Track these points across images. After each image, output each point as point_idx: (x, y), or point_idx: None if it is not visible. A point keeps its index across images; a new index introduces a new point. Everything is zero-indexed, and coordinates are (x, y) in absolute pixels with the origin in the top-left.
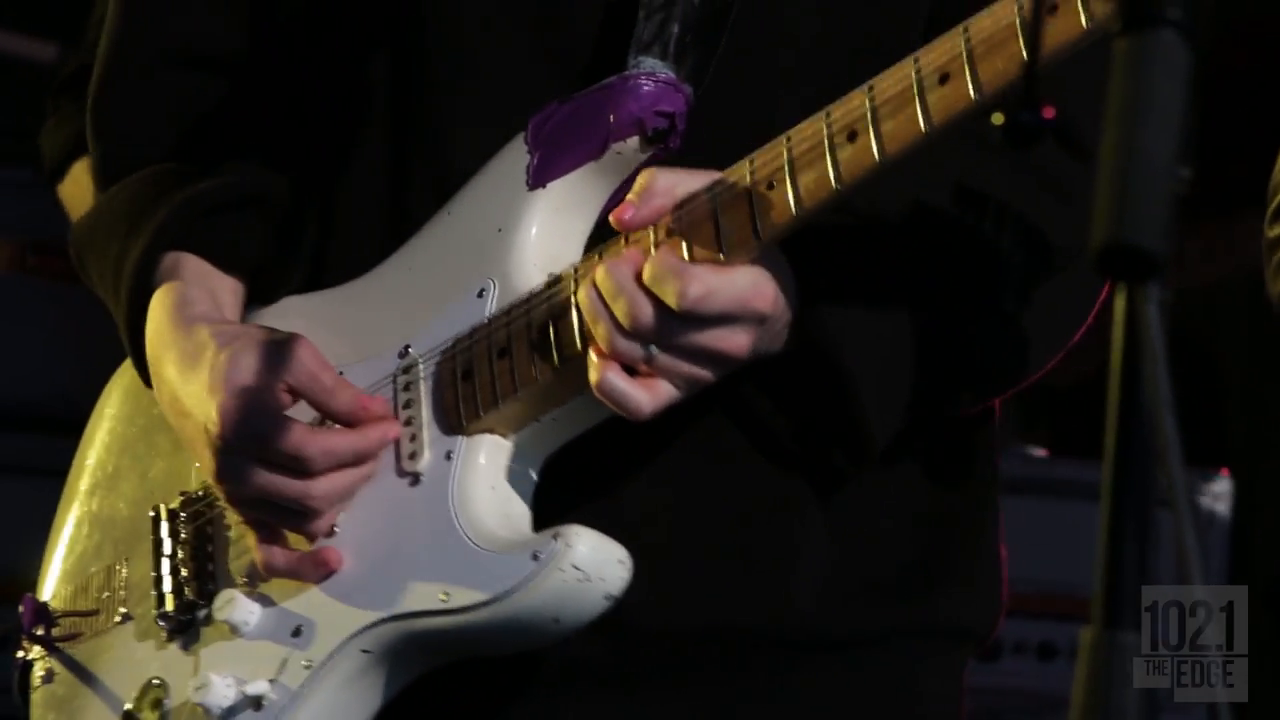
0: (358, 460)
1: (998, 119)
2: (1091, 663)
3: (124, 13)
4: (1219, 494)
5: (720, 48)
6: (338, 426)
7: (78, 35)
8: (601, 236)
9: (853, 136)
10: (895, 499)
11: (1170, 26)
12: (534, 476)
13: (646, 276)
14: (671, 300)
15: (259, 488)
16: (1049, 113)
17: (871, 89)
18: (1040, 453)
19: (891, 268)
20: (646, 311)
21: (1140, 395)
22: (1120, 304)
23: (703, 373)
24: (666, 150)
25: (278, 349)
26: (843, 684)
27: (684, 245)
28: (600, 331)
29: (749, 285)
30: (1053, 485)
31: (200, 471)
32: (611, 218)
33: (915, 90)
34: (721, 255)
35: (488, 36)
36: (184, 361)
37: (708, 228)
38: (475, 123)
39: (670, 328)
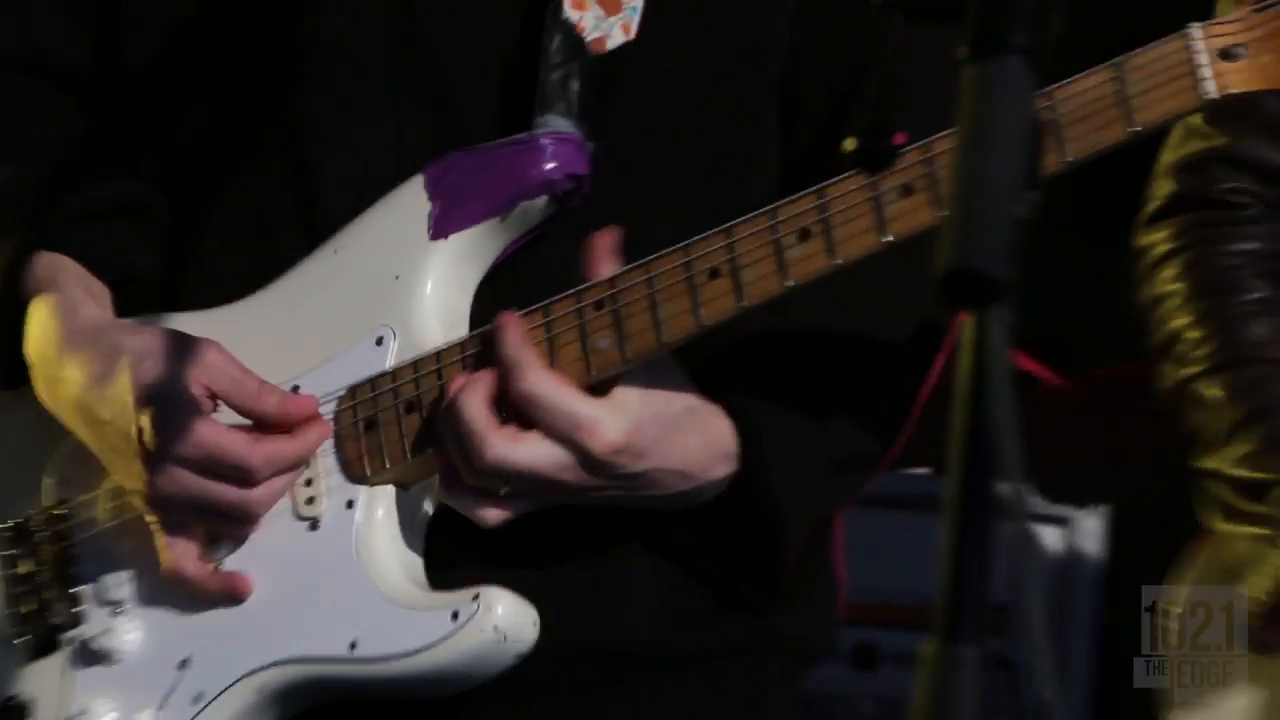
0: (297, 465)
1: (849, 145)
2: (931, 676)
3: None
4: (1087, 531)
5: (617, 104)
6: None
7: None
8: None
9: (714, 273)
10: None
11: (1016, 54)
12: (425, 526)
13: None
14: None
15: (194, 495)
16: (899, 139)
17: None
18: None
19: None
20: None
21: (985, 416)
22: (967, 329)
23: (555, 498)
24: (569, 209)
25: (195, 354)
26: (687, 698)
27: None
28: (454, 460)
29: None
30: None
31: (67, 477)
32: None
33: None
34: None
35: (364, 80)
36: (94, 367)
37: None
38: (346, 161)
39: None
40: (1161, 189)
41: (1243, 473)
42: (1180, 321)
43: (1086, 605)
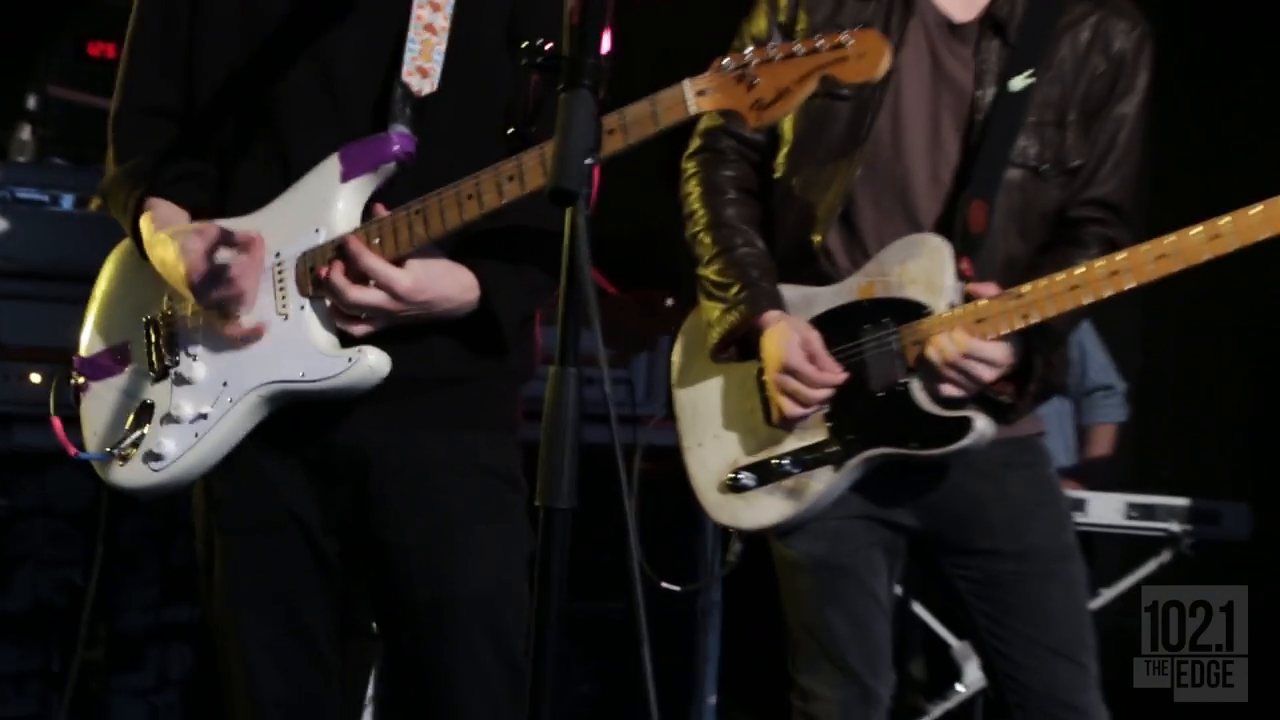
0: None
1: (508, 132)
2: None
3: (121, 79)
4: None
5: (426, 120)
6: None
7: None
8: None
9: (468, 196)
10: None
11: (583, 88)
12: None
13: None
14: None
15: (213, 299)
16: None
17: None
18: None
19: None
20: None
21: (578, 271)
22: (567, 218)
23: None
24: (403, 168)
25: (203, 234)
26: (460, 399)
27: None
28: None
29: (408, 283)
30: None
31: (171, 298)
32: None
33: None
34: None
35: (310, 106)
36: (164, 246)
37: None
38: (302, 147)
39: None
40: (693, 144)
41: (710, 274)
42: (694, 204)
43: None
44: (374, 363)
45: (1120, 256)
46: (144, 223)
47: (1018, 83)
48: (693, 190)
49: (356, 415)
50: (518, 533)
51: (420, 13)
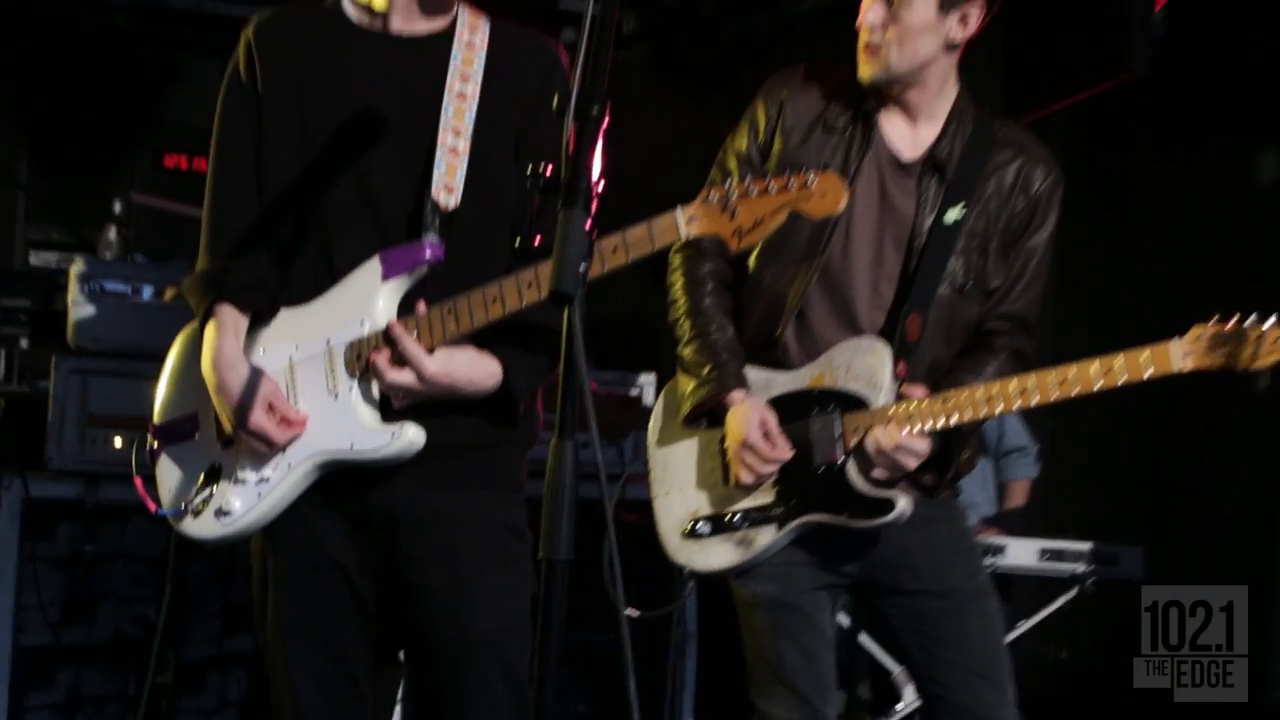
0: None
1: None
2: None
3: (209, 193)
4: None
5: (452, 231)
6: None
7: None
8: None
9: (491, 299)
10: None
11: (579, 208)
12: (379, 398)
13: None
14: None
15: (239, 429)
16: (537, 241)
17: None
18: None
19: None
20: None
21: (574, 360)
22: (564, 316)
23: (420, 396)
24: (433, 270)
25: (241, 377)
26: (479, 462)
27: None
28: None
29: (436, 367)
30: None
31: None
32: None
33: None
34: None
35: (352, 214)
36: (211, 365)
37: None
38: (346, 249)
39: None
40: (678, 246)
41: (688, 354)
42: (677, 293)
43: None
44: (413, 437)
45: (1030, 378)
46: (209, 330)
47: (951, 215)
48: (677, 281)
49: (390, 477)
50: (524, 577)
51: (445, 137)
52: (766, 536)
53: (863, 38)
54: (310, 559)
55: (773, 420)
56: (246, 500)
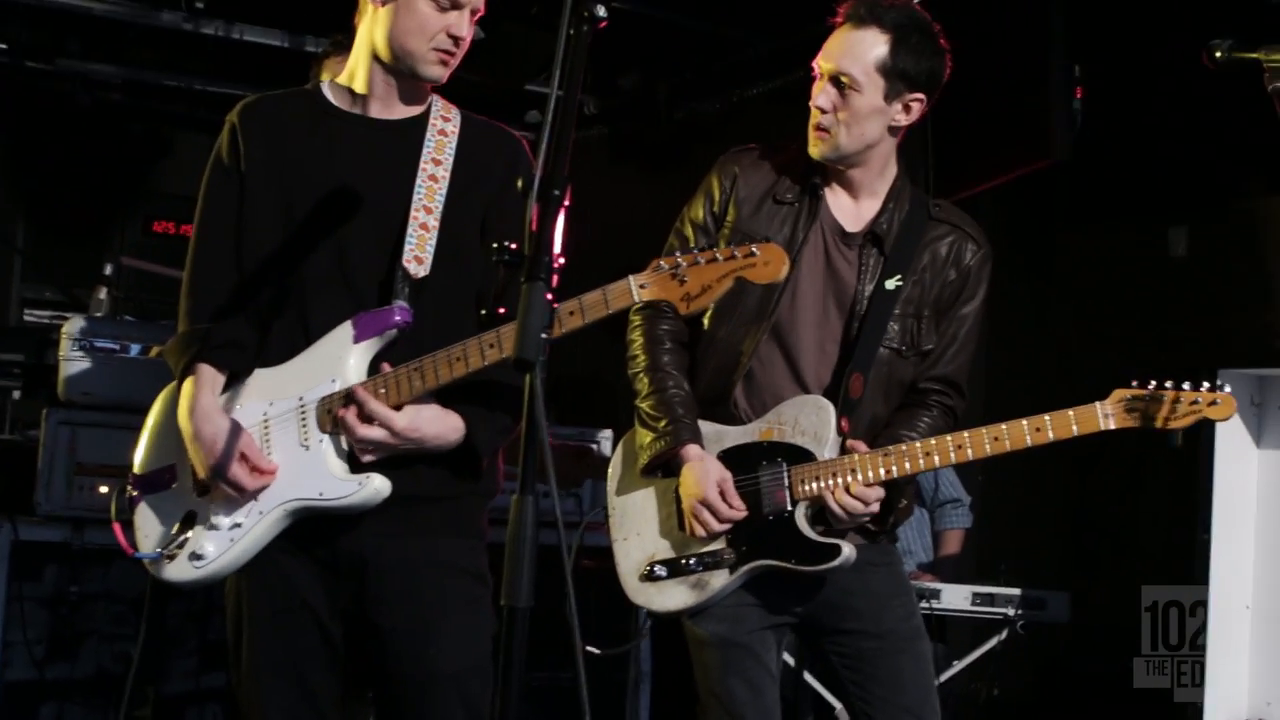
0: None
1: (481, 311)
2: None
3: (190, 259)
4: None
5: (421, 295)
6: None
7: None
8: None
9: (454, 359)
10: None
11: (540, 281)
12: (348, 450)
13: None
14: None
15: (213, 476)
16: (501, 311)
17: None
18: None
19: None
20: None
21: (535, 420)
22: (527, 381)
23: (388, 451)
24: (402, 333)
25: (221, 431)
26: (443, 513)
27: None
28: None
29: (404, 423)
30: None
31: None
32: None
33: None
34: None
35: (326, 281)
36: (189, 415)
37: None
38: (320, 314)
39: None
40: (637, 307)
41: (645, 407)
42: (637, 349)
43: None
44: (378, 486)
45: (965, 435)
46: (186, 385)
47: (890, 283)
48: (636, 339)
49: (358, 524)
50: (485, 619)
51: (416, 214)
52: (720, 580)
53: (814, 118)
54: (283, 601)
55: (729, 481)
56: (219, 545)
